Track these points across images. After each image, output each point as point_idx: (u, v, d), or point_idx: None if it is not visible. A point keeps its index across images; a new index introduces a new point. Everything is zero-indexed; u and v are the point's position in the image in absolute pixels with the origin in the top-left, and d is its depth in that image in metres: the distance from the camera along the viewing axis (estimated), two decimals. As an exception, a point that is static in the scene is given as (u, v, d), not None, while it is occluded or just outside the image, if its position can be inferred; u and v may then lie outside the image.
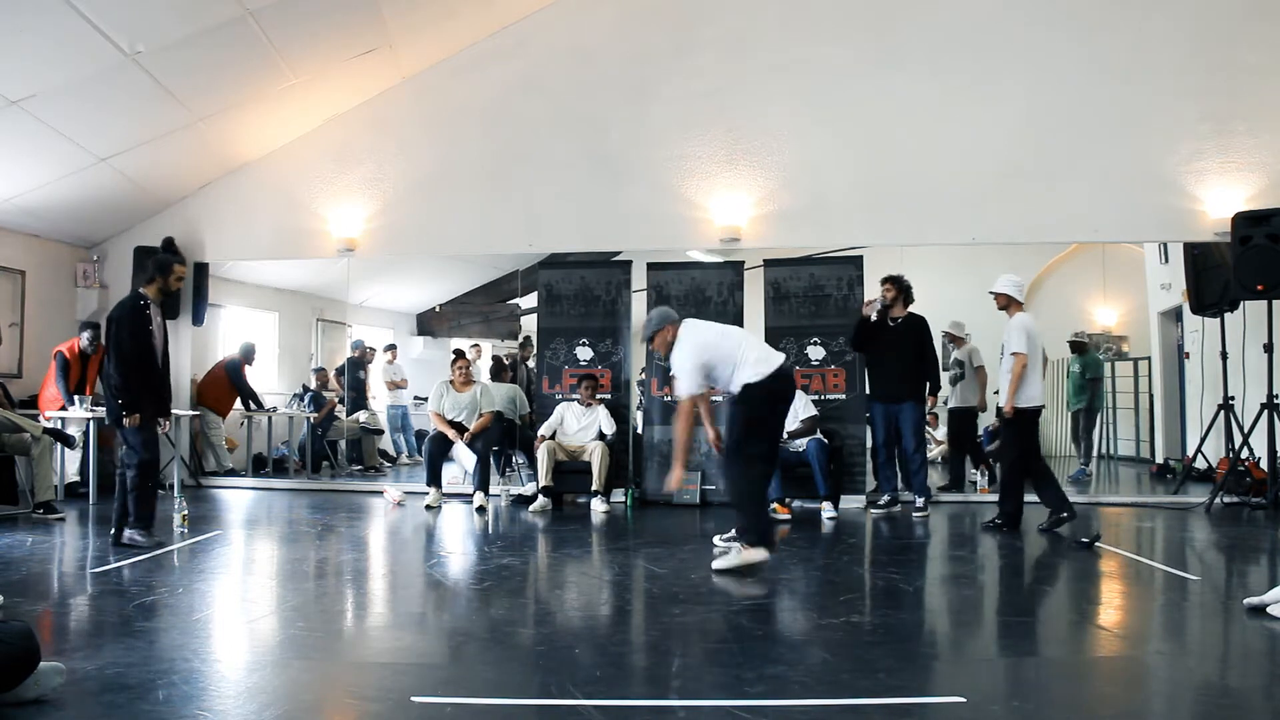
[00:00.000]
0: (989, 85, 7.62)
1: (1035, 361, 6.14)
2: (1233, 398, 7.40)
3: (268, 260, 9.04)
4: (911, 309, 7.16)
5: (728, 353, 4.80)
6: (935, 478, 8.26)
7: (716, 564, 4.74)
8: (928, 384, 7.19)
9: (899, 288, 7.09)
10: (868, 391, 7.33)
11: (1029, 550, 5.73)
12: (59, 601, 4.20)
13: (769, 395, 4.75)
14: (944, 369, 8.10)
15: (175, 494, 6.48)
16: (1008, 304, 6.22)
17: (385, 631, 3.85)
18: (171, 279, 5.48)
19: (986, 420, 8.39)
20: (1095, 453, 10.09)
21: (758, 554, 4.65)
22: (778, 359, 4.85)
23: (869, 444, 7.69)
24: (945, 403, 8.46)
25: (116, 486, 5.39)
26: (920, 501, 7.04)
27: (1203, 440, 7.79)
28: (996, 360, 6.42)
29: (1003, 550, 5.63)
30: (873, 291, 7.48)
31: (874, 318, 7.06)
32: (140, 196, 8.31)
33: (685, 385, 4.81)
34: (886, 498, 7.18)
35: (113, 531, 5.35)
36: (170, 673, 2.99)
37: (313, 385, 10.02)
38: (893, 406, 7.07)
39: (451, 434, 7.40)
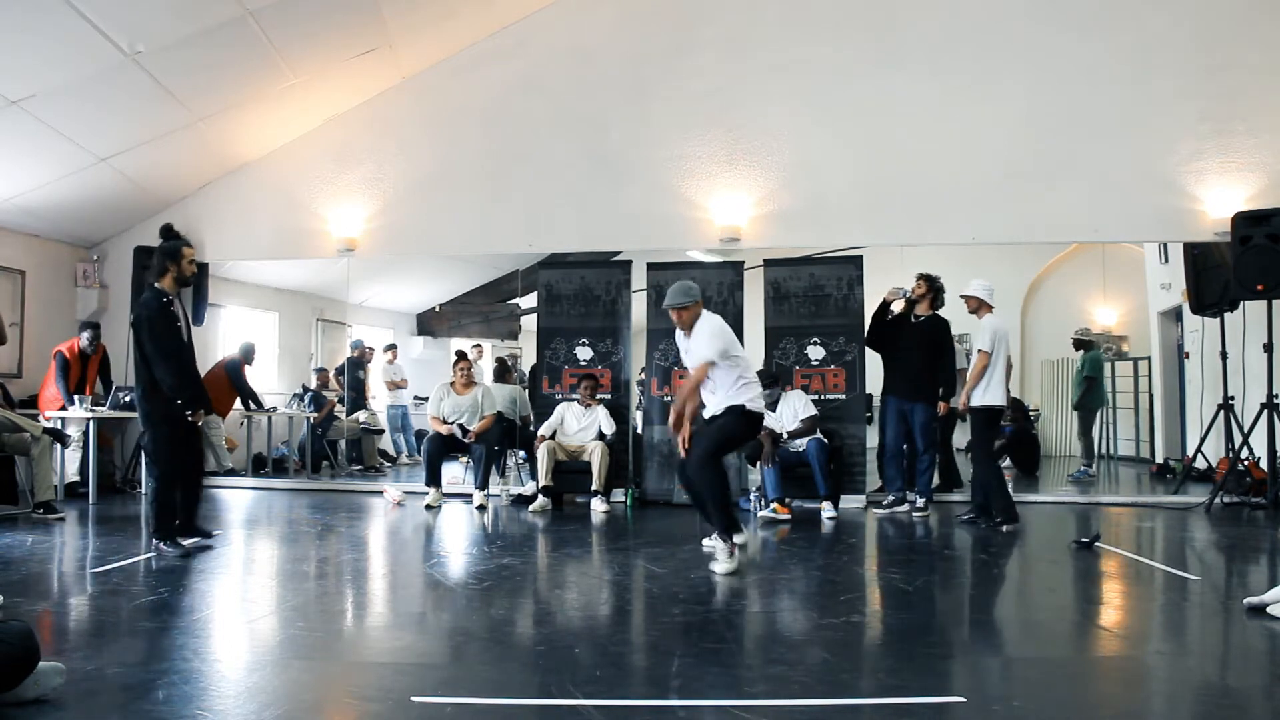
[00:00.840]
0: (989, 85, 7.62)
1: (998, 363, 6.25)
2: (1233, 398, 7.40)
3: (268, 260, 9.04)
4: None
5: (737, 360, 5.02)
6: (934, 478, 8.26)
7: (718, 567, 4.75)
8: (941, 385, 7.19)
9: (931, 286, 7.11)
10: (883, 386, 7.31)
11: (1028, 550, 5.74)
12: (59, 601, 4.20)
13: (754, 425, 5.10)
14: None
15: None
16: (978, 307, 6.41)
17: (385, 631, 3.85)
18: (184, 264, 5.11)
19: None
20: (1096, 452, 10.07)
21: (740, 539, 4.79)
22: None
23: (869, 443, 7.68)
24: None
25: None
26: (921, 501, 7.04)
27: (1203, 440, 7.79)
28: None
29: (1002, 550, 5.63)
30: (872, 292, 7.49)
31: (894, 308, 7.10)
32: (140, 196, 8.31)
33: (711, 351, 4.92)
34: (891, 497, 7.14)
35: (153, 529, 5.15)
36: (170, 673, 3.00)
37: (313, 385, 10.02)
38: (906, 404, 7.07)
39: (448, 430, 7.42)
